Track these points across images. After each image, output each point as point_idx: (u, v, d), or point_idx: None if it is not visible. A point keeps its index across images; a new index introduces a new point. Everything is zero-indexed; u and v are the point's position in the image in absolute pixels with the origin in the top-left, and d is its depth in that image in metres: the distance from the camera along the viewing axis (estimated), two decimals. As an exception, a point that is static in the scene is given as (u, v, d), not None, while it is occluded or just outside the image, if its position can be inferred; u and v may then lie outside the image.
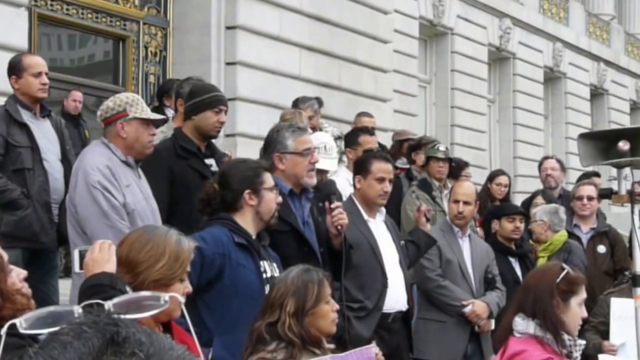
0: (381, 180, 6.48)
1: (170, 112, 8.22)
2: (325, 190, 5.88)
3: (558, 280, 4.72)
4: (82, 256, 3.70)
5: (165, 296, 2.58)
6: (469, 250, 7.10)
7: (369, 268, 6.45)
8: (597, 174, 11.05)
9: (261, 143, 9.70)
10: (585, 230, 9.03)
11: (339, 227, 5.73)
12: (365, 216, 6.62)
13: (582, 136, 5.70)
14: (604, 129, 25.90)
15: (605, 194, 5.82)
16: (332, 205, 5.77)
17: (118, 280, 3.52)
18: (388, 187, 6.52)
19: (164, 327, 4.07)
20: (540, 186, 10.91)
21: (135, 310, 2.35)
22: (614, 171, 5.78)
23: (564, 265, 4.88)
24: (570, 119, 24.69)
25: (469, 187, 7.71)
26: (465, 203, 7.35)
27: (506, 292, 7.49)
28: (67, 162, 6.89)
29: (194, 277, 4.68)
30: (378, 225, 6.67)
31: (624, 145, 5.48)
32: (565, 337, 4.71)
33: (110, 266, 3.51)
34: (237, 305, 4.92)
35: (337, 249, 5.72)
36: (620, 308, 6.98)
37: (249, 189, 5.09)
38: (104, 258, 3.53)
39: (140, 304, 2.50)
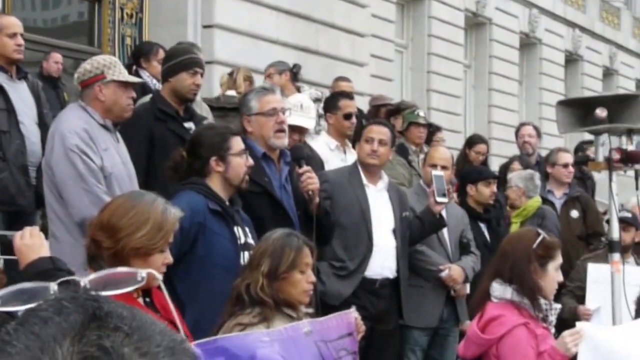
0: (370, 139, 6.61)
1: (146, 75, 8.18)
2: (295, 154, 5.86)
3: (535, 245, 4.76)
4: (1, 242, 3.62)
5: (142, 272, 2.56)
6: (445, 215, 7.11)
7: (355, 231, 6.49)
8: (590, 142, 11.08)
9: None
10: (558, 196, 9.11)
11: (310, 192, 5.73)
12: (365, 181, 6.68)
13: (560, 103, 5.73)
14: (577, 95, 26.02)
15: (582, 161, 5.85)
16: (301, 170, 5.76)
17: (60, 261, 3.48)
18: (375, 146, 6.59)
19: (143, 293, 4.06)
20: (515, 151, 10.97)
21: (111, 287, 2.34)
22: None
23: (540, 231, 4.92)
24: (545, 85, 24.72)
25: (445, 151, 7.72)
26: (443, 167, 7.36)
27: (479, 257, 7.53)
28: (44, 126, 6.83)
29: (173, 251, 4.70)
30: (377, 192, 6.71)
31: (601, 112, 5.51)
32: (542, 301, 4.76)
33: (45, 250, 3.45)
34: (211, 275, 4.90)
35: (313, 213, 5.72)
36: (596, 273, 7.05)
37: (216, 155, 5.08)
38: (36, 243, 3.47)
39: (117, 280, 2.48)
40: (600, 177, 12.17)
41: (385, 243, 6.61)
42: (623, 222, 7.27)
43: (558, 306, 4.88)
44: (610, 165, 5.70)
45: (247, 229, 5.12)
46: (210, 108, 7.45)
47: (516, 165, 9.49)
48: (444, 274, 7.14)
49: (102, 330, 1.26)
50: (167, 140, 6.11)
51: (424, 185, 7.50)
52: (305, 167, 5.73)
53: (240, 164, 5.12)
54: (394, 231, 6.65)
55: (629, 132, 5.76)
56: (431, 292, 7.14)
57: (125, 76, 5.68)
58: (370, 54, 16.10)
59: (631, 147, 5.76)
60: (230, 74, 8.42)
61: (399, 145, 8.80)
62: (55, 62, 10.97)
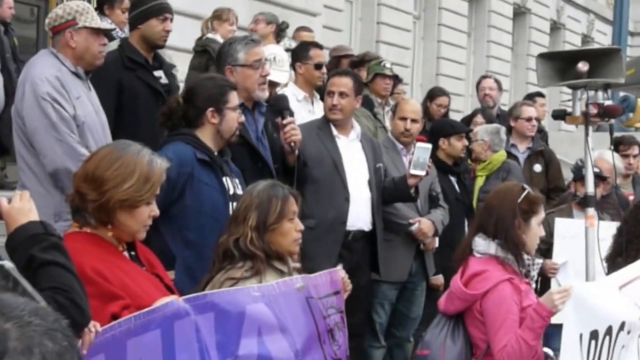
0: (330, 93, 6.53)
1: (109, 23, 7.98)
2: (278, 106, 5.78)
3: (519, 200, 4.73)
4: None
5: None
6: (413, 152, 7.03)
7: (329, 183, 6.40)
8: (542, 94, 11.12)
9: (186, 55, 9.59)
10: (522, 150, 9.13)
11: (292, 144, 5.65)
12: (335, 132, 6.59)
13: (541, 56, 5.68)
14: (524, 49, 26.14)
15: (559, 115, 5.82)
16: (284, 121, 5.69)
17: (50, 226, 3.40)
18: (335, 100, 6.51)
19: (128, 246, 3.98)
20: (464, 103, 10.97)
21: None
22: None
23: (525, 186, 4.90)
24: (493, 38, 24.76)
25: (415, 104, 7.65)
26: (413, 121, 7.30)
27: (448, 210, 7.51)
28: (6, 71, 6.65)
29: (159, 201, 4.61)
30: (349, 143, 6.63)
31: (583, 66, 5.48)
32: (525, 257, 4.75)
33: (34, 215, 3.36)
34: (200, 225, 4.85)
35: (292, 165, 5.64)
36: (563, 228, 7.07)
37: (213, 107, 5.03)
38: (26, 207, 3.38)
39: None
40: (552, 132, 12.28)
41: (360, 195, 6.53)
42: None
43: (540, 261, 4.88)
44: (587, 119, 5.69)
45: (236, 180, 5.07)
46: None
47: (479, 118, 9.46)
48: (414, 228, 7.10)
49: None
50: (136, 89, 6.01)
51: (393, 138, 7.44)
52: (289, 119, 5.67)
53: (234, 118, 5.09)
54: (369, 182, 6.58)
55: (606, 87, 5.75)
56: (401, 246, 7.08)
57: (97, 23, 5.54)
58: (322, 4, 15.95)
59: (608, 102, 5.75)
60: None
61: (364, 97, 8.71)
62: (9, 7, 10.67)
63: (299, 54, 7.71)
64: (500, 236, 4.70)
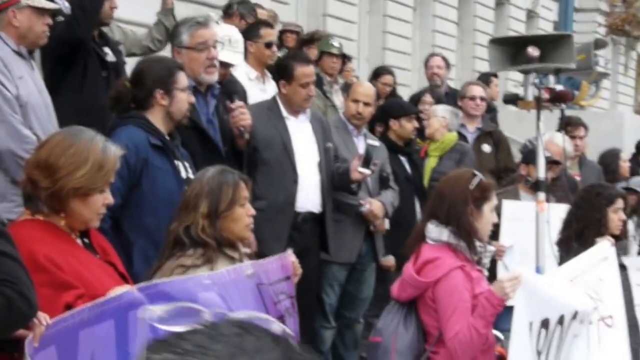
0: (305, 85, 6.46)
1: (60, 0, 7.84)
2: (228, 89, 5.71)
3: (471, 187, 4.73)
4: None
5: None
6: (364, 149, 7.03)
7: (279, 165, 6.37)
8: (495, 75, 11.13)
9: (136, 29, 9.44)
10: (471, 130, 9.14)
11: (241, 128, 5.59)
12: (285, 113, 6.54)
13: (493, 41, 5.69)
14: (470, 23, 26.22)
15: (511, 99, 5.83)
16: (233, 105, 5.62)
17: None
18: (312, 91, 6.53)
19: (82, 234, 3.92)
20: (410, 78, 10.98)
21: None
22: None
23: (476, 172, 4.90)
24: (438, 12, 24.78)
25: (369, 87, 7.61)
26: (366, 104, 7.27)
27: (399, 191, 7.51)
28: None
29: (122, 189, 4.56)
30: (299, 124, 6.59)
31: (533, 51, 5.49)
32: (477, 244, 4.76)
33: None
34: (156, 210, 4.81)
35: (241, 149, 5.59)
36: (511, 210, 7.09)
37: (161, 88, 4.96)
38: None
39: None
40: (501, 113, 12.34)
41: (309, 176, 6.51)
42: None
43: (492, 248, 4.91)
44: (539, 104, 5.71)
45: (187, 164, 5.00)
46: None
47: (427, 97, 9.45)
48: (364, 209, 7.07)
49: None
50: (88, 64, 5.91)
51: (344, 119, 7.40)
52: (238, 103, 5.61)
53: (183, 99, 5.03)
54: (319, 164, 6.55)
55: (557, 72, 5.77)
56: (350, 227, 7.07)
57: (41, 2, 5.44)
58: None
59: (559, 87, 5.77)
60: None
61: (314, 75, 8.67)
62: None
63: (250, 32, 7.63)
64: (452, 223, 4.70)
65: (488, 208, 4.81)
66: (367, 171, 6.50)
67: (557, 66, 5.61)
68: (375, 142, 6.72)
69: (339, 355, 7.55)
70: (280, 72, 6.63)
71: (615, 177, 9.62)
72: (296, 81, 6.44)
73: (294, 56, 6.92)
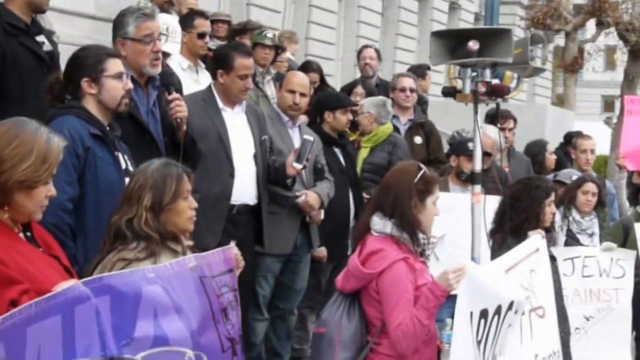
0: (244, 77, 6.43)
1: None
2: (164, 81, 5.65)
3: (416, 180, 4.77)
4: None
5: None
6: (299, 141, 7.03)
7: (214, 157, 6.31)
8: (429, 67, 11.22)
9: (78, 20, 9.29)
10: (403, 122, 9.21)
11: (178, 120, 5.54)
12: (221, 105, 6.51)
13: (434, 34, 5.73)
14: (395, 11, 26.33)
15: (449, 92, 5.88)
16: (170, 97, 5.57)
17: None
18: (250, 84, 6.50)
19: (24, 227, 3.85)
20: (331, 68, 11.01)
21: None
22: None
23: (421, 165, 4.94)
24: (363, 3, 24.87)
25: (304, 77, 7.60)
26: (302, 94, 7.27)
27: (333, 183, 7.52)
28: None
29: (74, 180, 4.49)
30: (234, 116, 6.55)
31: (474, 45, 5.55)
32: (420, 236, 4.80)
33: None
34: (98, 201, 4.74)
35: (180, 141, 5.54)
36: (442, 201, 7.13)
37: (88, 76, 4.88)
38: None
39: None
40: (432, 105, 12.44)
41: (245, 169, 6.48)
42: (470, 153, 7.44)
43: (435, 240, 4.93)
44: (476, 97, 5.77)
45: (126, 157, 4.94)
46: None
47: (359, 89, 9.48)
48: (300, 200, 7.08)
49: None
50: (19, 55, 5.77)
51: (279, 110, 7.39)
52: (175, 95, 5.55)
53: (115, 87, 4.91)
54: (255, 156, 6.52)
55: (494, 66, 5.84)
56: (286, 219, 7.06)
57: None
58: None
59: (495, 81, 5.85)
60: None
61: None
62: None
63: (184, 23, 7.57)
64: (396, 215, 4.73)
65: (431, 201, 4.86)
66: (299, 166, 6.52)
67: (495, 60, 5.68)
68: (310, 137, 6.72)
69: (271, 347, 7.54)
70: (219, 61, 6.58)
71: (541, 169, 9.79)
72: (235, 72, 6.42)
73: (236, 47, 6.85)
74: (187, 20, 7.61)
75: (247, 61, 6.50)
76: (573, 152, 10.01)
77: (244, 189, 6.47)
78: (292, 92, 7.25)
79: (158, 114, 5.58)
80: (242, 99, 6.54)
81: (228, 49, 6.83)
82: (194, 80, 7.42)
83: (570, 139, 10.74)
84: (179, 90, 6.13)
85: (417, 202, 4.76)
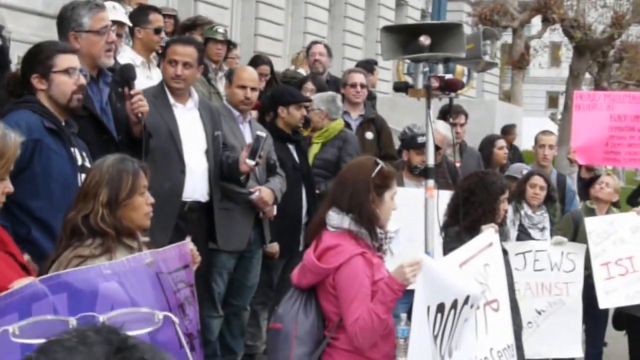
0: (173, 62, 6.39)
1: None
2: (125, 75, 5.60)
3: (373, 174, 4.77)
4: None
5: (159, 314, 2.73)
6: (251, 136, 7.01)
7: (165, 154, 6.25)
8: (376, 62, 11.24)
9: (26, 17, 9.19)
10: (354, 117, 9.21)
11: (139, 115, 5.51)
12: (172, 100, 6.47)
13: (385, 29, 5.72)
14: (342, 7, 26.37)
15: (401, 87, 5.89)
16: (132, 92, 5.53)
17: None
18: (179, 70, 6.39)
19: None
20: (279, 64, 10.99)
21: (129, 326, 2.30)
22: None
23: (378, 160, 4.94)
24: (310, -1, 24.93)
25: (253, 72, 7.58)
26: (253, 89, 7.25)
27: (285, 178, 7.51)
28: None
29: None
30: (186, 112, 6.50)
31: (425, 40, 5.56)
32: (378, 230, 4.80)
33: None
34: (50, 192, 4.70)
35: (137, 136, 5.50)
36: (397, 196, 7.14)
37: (37, 72, 4.87)
38: None
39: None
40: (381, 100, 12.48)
41: (196, 165, 6.44)
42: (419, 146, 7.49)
43: (392, 235, 4.93)
44: (429, 92, 5.79)
45: (84, 153, 4.89)
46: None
47: (309, 85, 9.46)
48: (254, 197, 7.05)
49: None
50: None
51: (229, 106, 7.36)
52: (136, 89, 5.51)
53: (65, 82, 4.90)
54: (207, 152, 6.48)
55: (446, 61, 5.86)
56: (239, 215, 7.03)
57: None
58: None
59: (449, 76, 5.87)
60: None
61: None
62: None
63: (138, 18, 7.50)
64: (354, 210, 4.72)
65: (389, 196, 4.86)
66: (252, 162, 6.50)
67: (447, 55, 5.69)
68: (262, 133, 6.70)
69: (225, 344, 7.52)
70: (163, 52, 6.60)
71: (488, 164, 9.85)
72: (166, 58, 6.46)
73: (177, 38, 6.89)
74: (141, 15, 7.54)
75: (180, 47, 6.47)
76: (533, 147, 10.09)
77: (196, 186, 6.43)
78: (243, 87, 7.23)
79: (110, 112, 5.53)
80: (173, 86, 6.45)
81: (170, 40, 6.87)
82: (147, 76, 7.36)
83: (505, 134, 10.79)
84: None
85: (374, 196, 4.76)
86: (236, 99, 7.24)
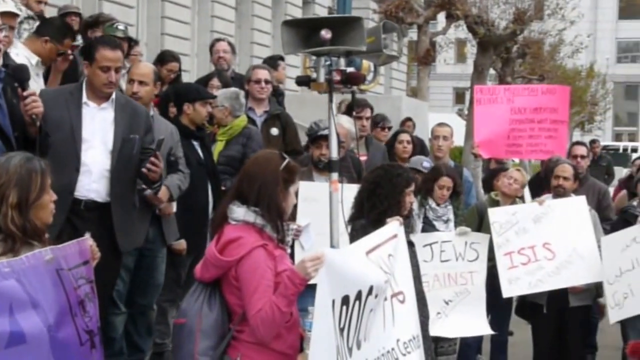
0: (106, 69, 6.28)
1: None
2: (19, 76, 5.50)
3: (281, 168, 4.79)
4: None
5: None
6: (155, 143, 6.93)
7: (62, 150, 6.10)
8: (282, 58, 11.23)
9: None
10: (259, 113, 9.22)
11: (34, 116, 5.42)
12: (85, 99, 6.34)
13: (286, 23, 5.72)
14: (249, 8, 26.33)
15: (304, 81, 5.90)
16: (26, 93, 5.44)
17: None
18: (113, 77, 6.30)
19: None
20: (186, 63, 10.91)
21: None
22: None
23: (284, 154, 4.95)
24: (217, -3, 24.81)
25: (146, 67, 7.53)
26: (141, 83, 7.21)
27: (190, 175, 7.46)
28: None
29: None
30: (98, 112, 6.37)
31: (326, 33, 5.58)
32: (283, 223, 4.82)
33: None
34: None
35: (33, 136, 5.40)
36: (306, 191, 7.18)
37: None
38: None
39: None
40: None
41: (96, 165, 6.29)
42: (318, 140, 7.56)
43: (294, 227, 4.96)
44: (330, 86, 5.80)
45: None
46: None
47: (215, 82, 9.43)
48: (147, 193, 6.86)
49: None
50: None
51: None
52: (30, 90, 5.42)
53: None
54: (112, 152, 6.35)
55: (348, 54, 5.88)
56: (137, 212, 6.90)
57: None
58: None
59: (351, 69, 5.89)
60: None
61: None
62: None
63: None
64: (262, 204, 4.72)
65: (293, 189, 4.88)
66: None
67: (348, 49, 5.70)
68: (162, 136, 6.66)
69: (133, 343, 7.47)
70: (85, 52, 6.48)
71: (393, 157, 9.94)
72: (96, 63, 6.27)
73: (100, 39, 6.75)
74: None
75: (110, 53, 6.31)
76: (429, 140, 10.20)
77: (91, 185, 6.28)
78: (131, 81, 7.17)
79: (5, 107, 5.41)
80: (106, 92, 6.34)
81: (95, 41, 6.72)
82: (39, 75, 7.24)
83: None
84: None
85: (282, 190, 4.78)
86: (127, 93, 7.16)
